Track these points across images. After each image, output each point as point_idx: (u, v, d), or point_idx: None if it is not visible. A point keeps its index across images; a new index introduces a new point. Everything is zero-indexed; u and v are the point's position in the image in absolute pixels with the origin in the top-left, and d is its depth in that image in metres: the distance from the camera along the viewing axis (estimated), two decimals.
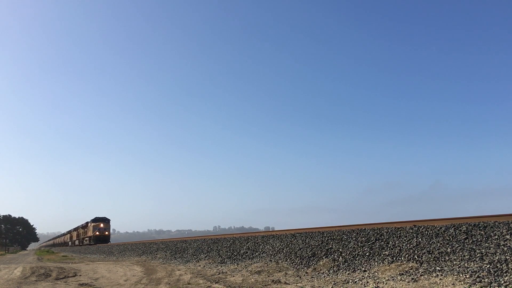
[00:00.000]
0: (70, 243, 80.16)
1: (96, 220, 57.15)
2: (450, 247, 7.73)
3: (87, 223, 61.05)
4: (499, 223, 7.78)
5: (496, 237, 7.35)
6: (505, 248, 6.89)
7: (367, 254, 9.19)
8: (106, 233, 55.92)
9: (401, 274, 7.69)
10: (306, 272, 9.80)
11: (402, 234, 9.17)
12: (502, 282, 6.09)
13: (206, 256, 15.96)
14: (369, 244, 9.49)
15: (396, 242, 8.92)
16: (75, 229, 73.09)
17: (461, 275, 6.75)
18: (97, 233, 54.91)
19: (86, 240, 60.19)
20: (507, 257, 6.64)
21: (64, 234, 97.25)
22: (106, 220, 57.45)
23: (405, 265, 8.00)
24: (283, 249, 12.03)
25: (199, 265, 14.76)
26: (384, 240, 9.33)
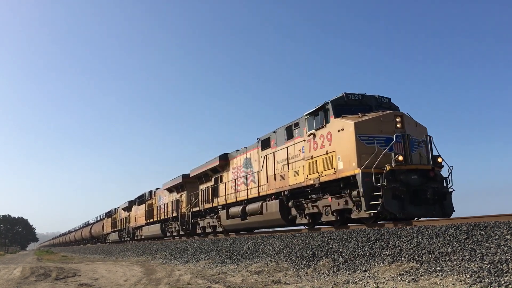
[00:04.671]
0: (124, 235, 37.83)
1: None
2: (450, 247, 7.72)
3: (265, 141, 16.07)
4: (500, 223, 7.77)
5: (496, 237, 7.33)
6: (506, 248, 6.88)
7: (367, 254, 9.17)
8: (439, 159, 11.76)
9: (401, 274, 7.67)
10: (306, 272, 9.78)
11: (402, 234, 9.15)
12: (503, 282, 6.07)
13: (206, 256, 15.94)
14: (369, 244, 9.47)
15: (397, 242, 8.90)
16: (142, 199, 32.95)
17: (461, 275, 6.74)
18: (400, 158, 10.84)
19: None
20: (508, 257, 6.62)
21: (90, 224, 57.63)
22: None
23: (405, 265, 7.98)
24: (283, 249, 12.01)
25: (199, 265, 14.75)
26: (385, 240, 9.31)
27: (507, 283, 6.00)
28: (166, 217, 26.94)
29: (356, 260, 9.20)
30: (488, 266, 6.62)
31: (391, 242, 9.05)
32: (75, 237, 68.28)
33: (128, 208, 37.42)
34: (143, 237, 32.43)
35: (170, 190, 26.99)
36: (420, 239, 8.52)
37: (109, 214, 45.63)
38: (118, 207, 41.50)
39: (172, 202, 26.25)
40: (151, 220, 30.11)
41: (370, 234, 9.93)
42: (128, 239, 36.91)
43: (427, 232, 8.68)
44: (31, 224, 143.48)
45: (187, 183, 24.39)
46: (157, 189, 30.51)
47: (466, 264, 6.99)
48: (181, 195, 25.15)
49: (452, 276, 6.82)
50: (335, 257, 9.84)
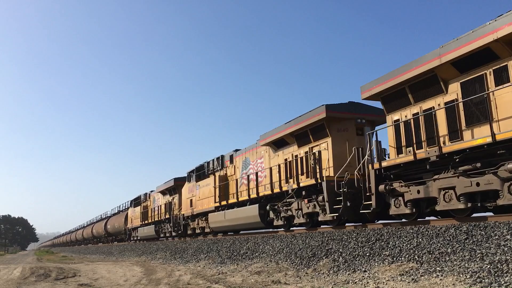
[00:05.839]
0: (167, 229, 26.12)
1: None
2: (450, 247, 7.72)
3: None
4: (500, 223, 7.77)
5: (496, 237, 7.33)
6: (506, 248, 6.88)
7: (367, 254, 9.17)
8: None
9: (401, 275, 7.67)
10: (306, 273, 9.78)
11: (402, 234, 9.16)
12: (503, 282, 6.07)
13: (206, 256, 15.95)
14: (370, 245, 9.47)
15: (397, 243, 8.91)
16: (202, 171, 21.05)
17: (461, 275, 6.74)
18: None
19: None
20: (508, 258, 6.62)
21: (106, 218, 47.67)
22: None
23: (405, 266, 7.98)
24: (283, 250, 12.02)
25: (199, 266, 14.75)
26: (385, 240, 9.31)
27: (507, 283, 6.00)
28: (279, 190, 14.57)
29: (356, 260, 9.20)
30: (488, 266, 6.62)
31: (391, 242, 9.05)
32: (83, 235, 57.24)
33: (171, 190, 25.93)
34: (206, 230, 20.57)
35: (279, 143, 15.14)
36: (420, 239, 8.52)
37: (137, 202, 33.72)
38: (152, 191, 30.85)
39: (290, 163, 14.41)
40: (228, 201, 18.22)
41: (370, 234, 9.93)
42: (175, 234, 24.69)
43: (427, 232, 8.68)
44: (31, 224, 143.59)
45: (332, 122, 12.80)
46: (236, 150, 18.91)
47: (466, 264, 6.99)
48: (312, 147, 13.50)
49: (452, 276, 6.82)
50: (335, 257, 9.84)
